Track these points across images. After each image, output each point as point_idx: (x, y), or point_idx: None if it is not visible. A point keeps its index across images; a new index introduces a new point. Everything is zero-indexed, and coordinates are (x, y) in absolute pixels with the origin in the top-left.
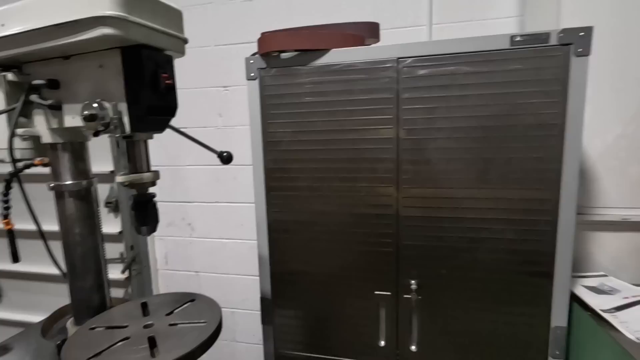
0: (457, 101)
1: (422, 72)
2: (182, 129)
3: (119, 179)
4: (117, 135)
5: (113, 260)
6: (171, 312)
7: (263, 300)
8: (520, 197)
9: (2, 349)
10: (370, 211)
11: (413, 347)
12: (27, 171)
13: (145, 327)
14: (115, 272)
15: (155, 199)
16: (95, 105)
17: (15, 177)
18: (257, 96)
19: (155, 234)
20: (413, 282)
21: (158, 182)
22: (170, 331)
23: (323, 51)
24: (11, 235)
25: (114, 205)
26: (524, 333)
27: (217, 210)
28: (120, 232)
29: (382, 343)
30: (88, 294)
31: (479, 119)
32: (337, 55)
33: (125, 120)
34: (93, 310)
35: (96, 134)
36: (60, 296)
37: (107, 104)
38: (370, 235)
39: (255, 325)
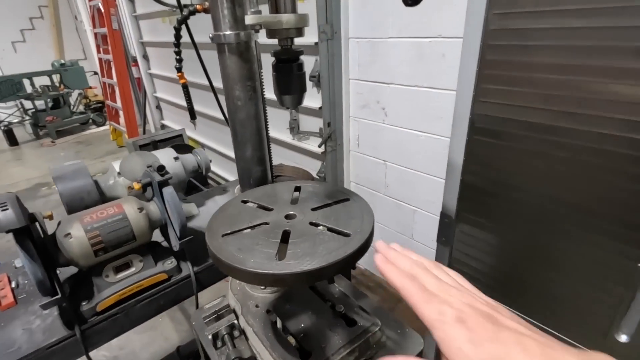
0: None
1: None
2: None
3: (247, 19)
4: None
5: (313, 134)
6: (318, 208)
7: (443, 215)
8: None
9: (223, 190)
10: None
11: None
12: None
13: (287, 217)
14: (313, 145)
15: (302, 58)
16: None
17: (183, 23)
18: None
19: (349, 114)
20: None
21: (355, 58)
22: (307, 231)
23: None
24: (186, 89)
25: (317, 79)
26: None
27: (415, 96)
28: (320, 108)
29: (624, 338)
30: (249, 165)
31: None
32: None
33: None
34: (255, 181)
35: None
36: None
37: None
38: None
39: (434, 230)
